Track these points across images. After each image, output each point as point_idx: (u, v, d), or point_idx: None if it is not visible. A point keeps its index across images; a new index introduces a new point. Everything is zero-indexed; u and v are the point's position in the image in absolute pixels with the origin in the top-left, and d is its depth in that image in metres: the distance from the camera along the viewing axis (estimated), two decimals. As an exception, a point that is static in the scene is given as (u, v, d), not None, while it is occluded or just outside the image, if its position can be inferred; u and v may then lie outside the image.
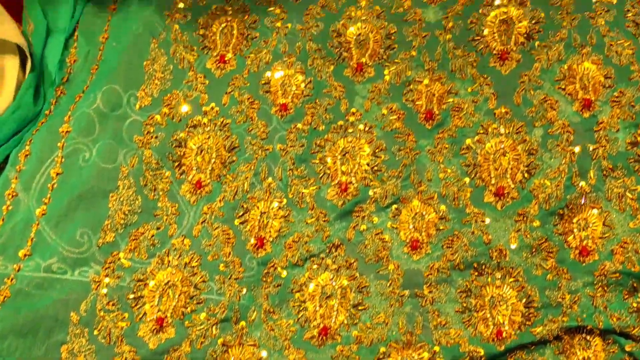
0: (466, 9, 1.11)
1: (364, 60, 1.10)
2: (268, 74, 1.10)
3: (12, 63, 1.08)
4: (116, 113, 1.06)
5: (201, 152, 1.04)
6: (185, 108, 1.07)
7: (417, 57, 1.09)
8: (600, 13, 1.08)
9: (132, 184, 1.01)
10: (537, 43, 1.07)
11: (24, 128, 1.07)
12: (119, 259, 0.96)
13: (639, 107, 1.00)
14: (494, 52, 1.08)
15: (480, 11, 1.11)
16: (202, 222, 0.99)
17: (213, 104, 1.08)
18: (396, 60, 1.09)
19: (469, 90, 1.06)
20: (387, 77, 1.08)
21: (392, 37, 1.11)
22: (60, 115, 1.07)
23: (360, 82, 1.08)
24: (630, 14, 1.07)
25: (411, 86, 1.07)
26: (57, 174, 1.01)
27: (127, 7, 1.16)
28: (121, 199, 0.99)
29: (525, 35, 1.08)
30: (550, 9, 1.09)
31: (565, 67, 1.05)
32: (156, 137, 1.05)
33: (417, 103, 1.06)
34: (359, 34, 1.11)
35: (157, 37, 1.13)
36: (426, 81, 1.07)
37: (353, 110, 1.06)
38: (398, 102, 1.06)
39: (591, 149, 0.98)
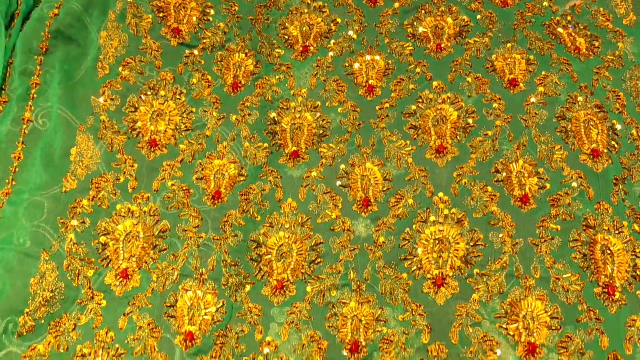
0: (399, 222, 1.01)
1: (285, 276, 0.97)
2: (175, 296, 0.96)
3: None
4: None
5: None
6: (77, 335, 0.92)
7: (344, 274, 0.97)
8: (545, 240, 0.98)
9: None
10: (475, 270, 0.96)
11: None
12: None
13: (588, 355, 0.89)
14: (428, 276, 0.96)
15: (414, 227, 1.00)
16: None
17: (107, 328, 0.92)
18: (321, 276, 0.97)
19: (400, 318, 0.93)
20: (309, 295, 0.96)
21: (318, 250, 0.99)
22: None
23: (280, 302, 0.96)
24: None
25: (335, 309, 0.95)
26: None
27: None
28: None
29: (462, 259, 0.97)
30: (490, 230, 0.99)
31: (507, 302, 0.94)
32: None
33: (341, 331, 0.93)
34: (281, 245, 1.00)
35: (48, 250, 0.96)
36: (353, 304, 0.95)
37: (268, 339, 0.93)
38: (320, 329, 0.94)
39: None
